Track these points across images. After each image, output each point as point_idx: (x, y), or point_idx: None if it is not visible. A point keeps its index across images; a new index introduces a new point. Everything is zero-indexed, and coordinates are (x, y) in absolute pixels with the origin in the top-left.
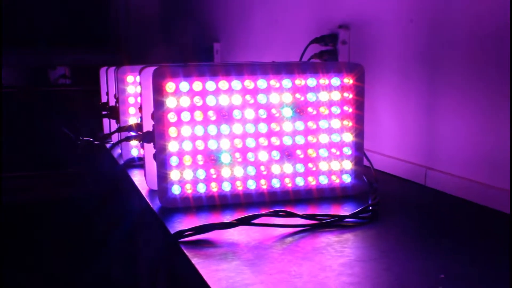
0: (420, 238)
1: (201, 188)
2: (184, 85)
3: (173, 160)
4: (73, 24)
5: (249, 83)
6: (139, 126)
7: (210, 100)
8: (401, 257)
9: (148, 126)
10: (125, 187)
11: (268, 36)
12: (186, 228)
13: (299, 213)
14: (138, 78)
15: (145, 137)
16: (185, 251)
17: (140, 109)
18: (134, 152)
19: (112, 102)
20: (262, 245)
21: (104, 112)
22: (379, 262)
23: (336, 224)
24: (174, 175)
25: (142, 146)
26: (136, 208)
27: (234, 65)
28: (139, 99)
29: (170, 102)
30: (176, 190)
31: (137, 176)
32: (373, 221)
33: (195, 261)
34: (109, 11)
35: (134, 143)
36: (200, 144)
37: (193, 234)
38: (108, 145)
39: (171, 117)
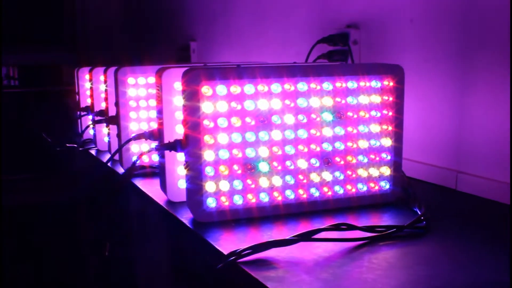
0: (483, 246)
1: (238, 200)
2: (221, 89)
3: (209, 170)
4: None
5: (289, 86)
6: (153, 133)
7: (249, 105)
8: (477, 267)
9: (169, 133)
10: (128, 197)
11: (256, 34)
12: (244, 247)
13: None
14: (141, 80)
15: (173, 146)
16: (252, 274)
17: (160, 114)
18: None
19: (98, 103)
20: (333, 262)
21: (82, 113)
22: (460, 274)
23: (394, 235)
24: (209, 186)
25: (162, 155)
26: (152, 222)
27: (273, 66)
28: (141, 102)
29: (206, 107)
30: (211, 203)
31: (146, 187)
32: (429, 231)
33: (270, 285)
34: (63, 7)
35: (135, 149)
36: (237, 153)
37: (251, 253)
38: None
39: (207, 123)
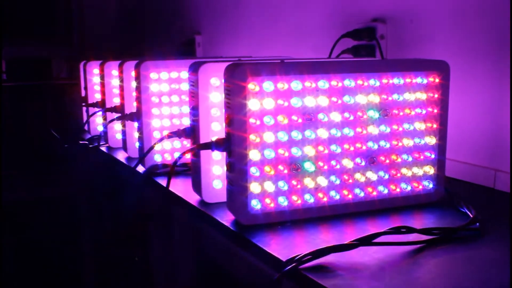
0: None
1: (283, 201)
2: (268, 85)
3: (254, 171)
4: (9, 12)
5: (336, 83)
6: (187, 131)
7: (296, 102)
8: None
9: (205, 131)
10: (151, 196)
11: (268, 27)
12: (303, 253)
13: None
14: (164, 75)
15: (216, 145)
16: (320, 282)
17: (195, 110)
18: (158, 158)
19: (109, 99)
20: (398, 267)
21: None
22: None
23: (449, 238)
24: (254, 187)
25: (196, 154)
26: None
27: (320, 62)
28: (164, 98)
29: (252, 104)
30: (256, 204)
31: (172, 187)
32: (484, 234)
33: None
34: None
35: (158, 147)
36: (283, 152)
37: (311, 259)
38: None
39: (253, 121)
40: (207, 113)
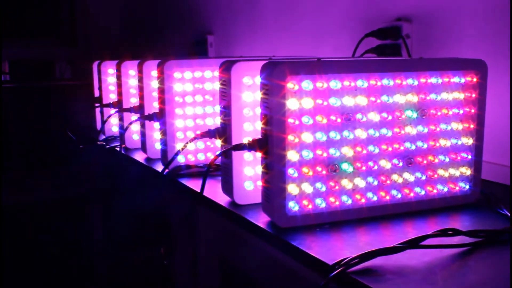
0: None
1: (321, 203)
2: (307, 84)
3: (291, 172)
4: (12, 13)
5: (374, 82)
6: (218, 131)
7: (334, 101)
8: None
9: (237, 131)
10: (174, 198)
11: (284, 27)
12: (352, 257)
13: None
14: (187, 74)
15: (252, 146)
16: (372, 287)
17: (226, 110)
18: (181, 159)
19: (126, 99)
20: (452, 271)
21: (97, 105)
22: None
23: (495, 240)
24: (292, 189)
25: (227, 155)
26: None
27: (358, 60)
28: (188, 98)
29: (291, 103)
30: (293, 206)
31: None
32: None
33: None
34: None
35: (180, 147)
36: (321, 152)
37: (359, 262)
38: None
39: (291, 121)
40: (239, 113)
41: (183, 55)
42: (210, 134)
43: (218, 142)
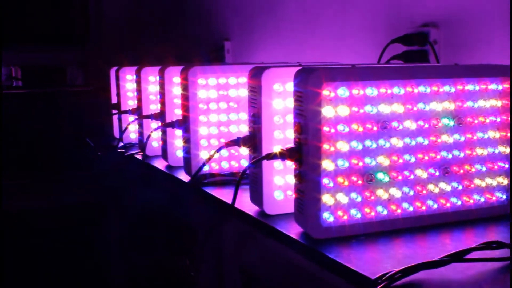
0: None
1: (356, 214)
2: (342, 91)
3: (326, 182)
4: (25, 18)
5: (411, 89)
6: (247, 140)
7: (370, 109)
8: None
9: (268, 139)
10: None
11: (304, 33)
12: (395, 271)
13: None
14: (212, 81)
15: (284, 155)
16: None
17: (256, 118)
18: (205, 167)
19: (146, 105)
20: (500, 286)
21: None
22: None
23: None
24: (327, 199)
25: (259, 165)
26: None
27: (394, 67)
28: (212, 105)
29: (327, 111)
30: (328, 217)
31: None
32: None
33: None
34: (73, 5)
35: (204, 156)
36: (356, 162)
37: (402, 276)
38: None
39: (327, 129)
40: (269, 121)
41: (199, 61)
42: (238, 142)
43: (243, 150)
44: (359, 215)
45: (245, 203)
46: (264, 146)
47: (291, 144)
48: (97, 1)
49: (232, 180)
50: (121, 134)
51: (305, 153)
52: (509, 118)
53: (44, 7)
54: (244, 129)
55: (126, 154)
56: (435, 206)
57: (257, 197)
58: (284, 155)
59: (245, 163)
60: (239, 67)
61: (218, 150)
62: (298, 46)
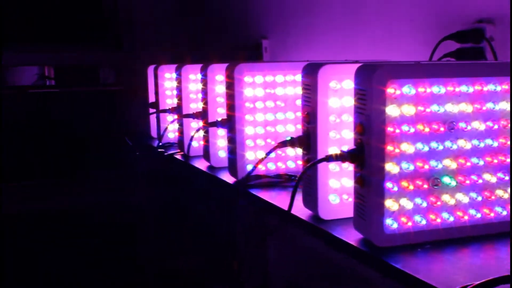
0: None
1: (421, 220)
2: (408, 89)
3: (390, 186)
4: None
5: (480, 87)
6: (301, 140)
7: (437, 108)
8: None
9: (323, 140)
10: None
11: (347, 30)
12: (474, 284)
13: None
14: (259, 79)
15: (345, 156)
16: None
17: (310, 117)
18: (250, 168)
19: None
20: None
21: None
22: None
23: None
24: (390, 204)
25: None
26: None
27: (464, 64)
28: (258, 103)
29: (391, 110)
30: (391, 223)
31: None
32: None
33: None
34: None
35: (251, 156)
36: (421, 164)
37: None
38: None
39: (391, 130)
40: (325, 120)
41: (236, 59)
42: (291, 143)
43: (290, 151)
44: (424, 222)
45: (295, 207)
46: (319, 147)
47: (347, 146)
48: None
49: (279, 182)
50: (162, 133)
51: (367, 155)
52: None
53: (76, 6)
54: (291, 129)
55: (165, 154)
56: (504, 213)
57: (311, 201)
58: (343, 157)
59: (291, 164)
60: (287, 64)
61: (271, 151)
62: (340, 44)
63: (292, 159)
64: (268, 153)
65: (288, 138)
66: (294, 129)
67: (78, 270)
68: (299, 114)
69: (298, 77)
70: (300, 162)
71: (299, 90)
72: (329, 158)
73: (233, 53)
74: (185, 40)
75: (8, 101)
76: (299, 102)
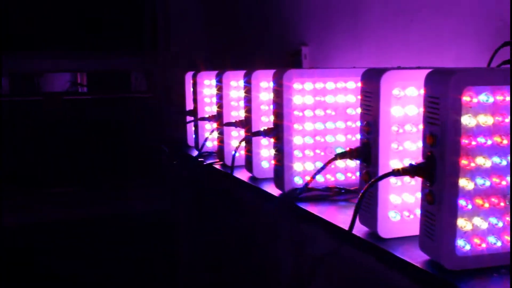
0: None
1: (495, 241)
2: (485, 97)
3: (464, 203)
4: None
5: None
6: (361, 152)
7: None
8: None
9: (384, 152)
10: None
11: (393, 35)
12: None
13: None
14: (308, 86)
15: (412, 171)
16: None
17: (371, 127)
18: (298, 181)
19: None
20: None
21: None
22: None
23: None
24: (462, 224)
25: (368, 180)
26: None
27: None
28: (307, 112)
29: (467, 120)
30: (463, 245)
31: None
32: None
33: None
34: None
35: (299, 168)
36: (498, 180)
37: None
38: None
39: (466, 142)
40: (387, 131)
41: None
42: (350, 154)
43: (340, 163)
44: (499, 244)
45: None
46: (381, 159)
47: (409, 158)
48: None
49: (328, 195)
50: (198, 142)
51: (439, 169)
52: None
53: (110, 13)
54: (341, 139)
55: (204, 163)
56: None
57: (369, 217)
58: (411, 171)
59: (341, 176)
60: (338, 71)
61: (329, 163)
62: (384, 50)
63: (341, 171)
64: (325, 165)
65: (339, 151)
66: (345, 139)
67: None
68: (350, 123)
69: (350, 84)
70: (350, 175)
71: (350, 98)
72: (395, 173)
73: (271, 60)
74: (220, 46)
75: (41, 108)
76: (350, 110)
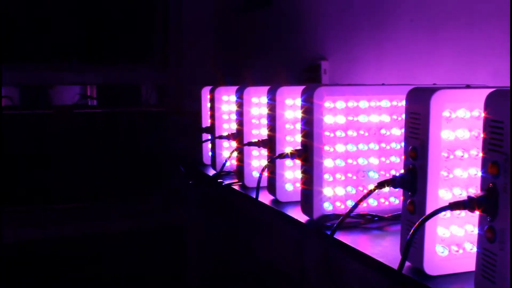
0: None
1: None
2: None
3: None
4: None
5: None
6: (404, 180)
7: None
8: None
9: (433, 180)
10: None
11: (421, 50)
12: None
13: None
14: (340, 104)
15: (475, 203)
16: None
17: (418, 152)
18: (328, 207)
19: (248, 130)
20: None
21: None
22: None
23: None
24: None
25: (413, 211)
26: None
27: None
28: (338, 132)
29: None
30: None
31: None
32: None
33: None
34: (153, 23)
35: (329, 193)
36: None
37: None
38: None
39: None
40: (436, 156)
41: (291, 81)
42: (392, 183)
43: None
44: None
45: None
46: (429, 188)
47: (459, 188)
48: (178, 24)
49: (360, 223)
50: (215, 161)
51: (502, 203)
52: None
53: (120, 26)
54: (374, 162)
55: (223, 184)
56: None
57: (413, 252)
58: (471, 204)
59: (373, 202)
60: (371, 88)
61: (372, 191)
62: (415, 65)
63: (374, 196)
64: (364, 197)
65: (372, 175)
66: (378, 161)
67: None
68: (383, 145)
69: (384, 103)
70: (383, 200)
71: (384, 118)
72: (452, 206)
73: (288, 75)
74: (234, 60)
75: (51, 120)
76: (383, 131)
